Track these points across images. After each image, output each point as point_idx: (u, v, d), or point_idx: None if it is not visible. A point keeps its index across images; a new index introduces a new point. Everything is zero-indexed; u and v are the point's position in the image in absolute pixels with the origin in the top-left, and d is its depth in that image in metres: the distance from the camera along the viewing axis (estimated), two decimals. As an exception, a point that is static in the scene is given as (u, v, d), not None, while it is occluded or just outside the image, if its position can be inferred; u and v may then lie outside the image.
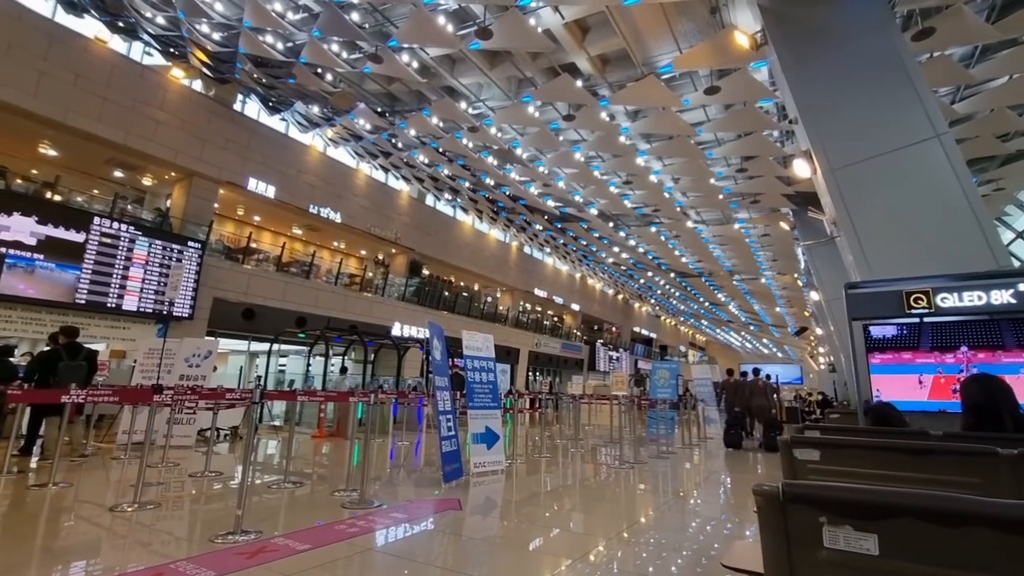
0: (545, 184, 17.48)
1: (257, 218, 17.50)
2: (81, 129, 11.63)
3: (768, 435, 10.71)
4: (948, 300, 4.47)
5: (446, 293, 22.52)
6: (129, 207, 13.69)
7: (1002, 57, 8.94)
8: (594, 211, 19.27)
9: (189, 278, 12.55)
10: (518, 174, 16.89)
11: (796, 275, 22.55)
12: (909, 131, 5.50)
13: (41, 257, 10.40)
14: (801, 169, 7.24)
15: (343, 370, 13.61)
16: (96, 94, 11.87)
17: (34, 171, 12.63)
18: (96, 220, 11.30)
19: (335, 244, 20.23)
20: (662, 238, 21.62)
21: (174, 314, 12.23)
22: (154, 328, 12.20)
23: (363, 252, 21.07)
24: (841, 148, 5.91)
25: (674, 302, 38.86)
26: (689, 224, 19.45)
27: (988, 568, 0.59)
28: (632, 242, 22.73)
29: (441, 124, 13.67)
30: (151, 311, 11.94)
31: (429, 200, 22.60)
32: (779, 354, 51.66)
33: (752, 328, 42.20)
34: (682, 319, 48.07)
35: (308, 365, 14.13)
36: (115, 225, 11.61)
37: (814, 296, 17.72)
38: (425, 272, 22.11)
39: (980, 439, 1.83)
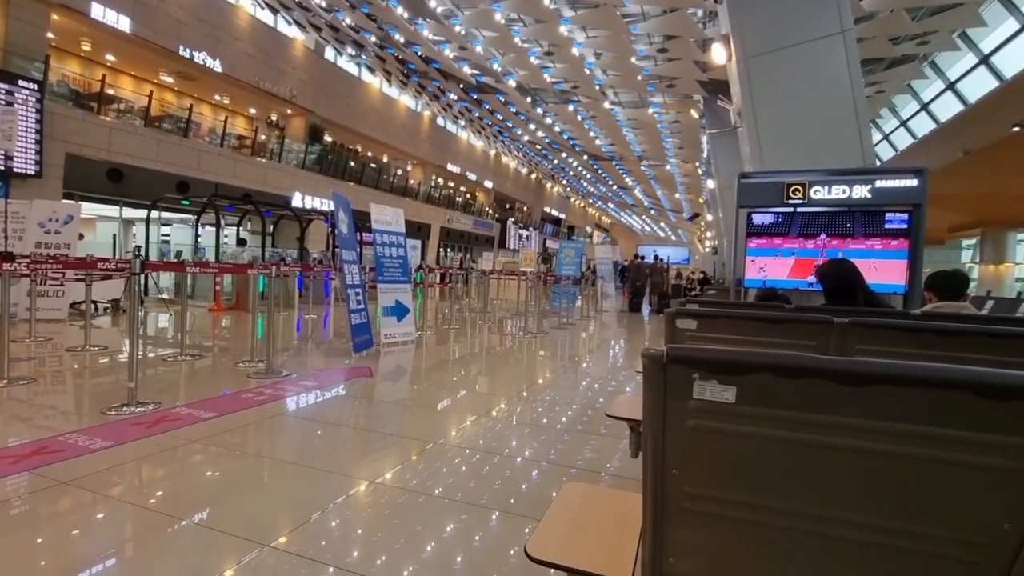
0: (461, 47, 16.01)
1: (111, 57, 14.43)
2: None
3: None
4: (819, 192, 5.00)
5: (352, 163, 20.93)
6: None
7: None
8: (512, 83, 18.24)
9: (28, 127, 10.41)
10: (431, 32, 15.21)
11: (697, 164, 23.74)
12: (820, 23, 5.63)
13: None
14: (718, 54, 7.24)
15: (241, 242, 12.64)
16: None
17: None
18: None
19: (217, 98, 17.52)
20: (579, 118, 21.30)
21: (15, 170, 10.29)
22: (-9, 187, 10.26)
23: (252, 110, 18.56)
24: (757, 35, 5.95)
25: (585, 184, 39.67)
26: (606, 105, 19.23)
27: (814, 408, 0.75)
28: (549, 120, 22.19)
29: (340, -43, 11.60)
30: (-17, 166, 9.94)
31: (329, 54, 19.89)
32: (673, 237, 56.02)
33: (652, 212, 44.82)
34: (591, 201, 49.61)
35: (197, 236, 12.93)
36: (-94, 50, 9.03)
37: (710, 184, 18.95)
38: (327, 139, 20.17)
39: (826, 310, 2.19)
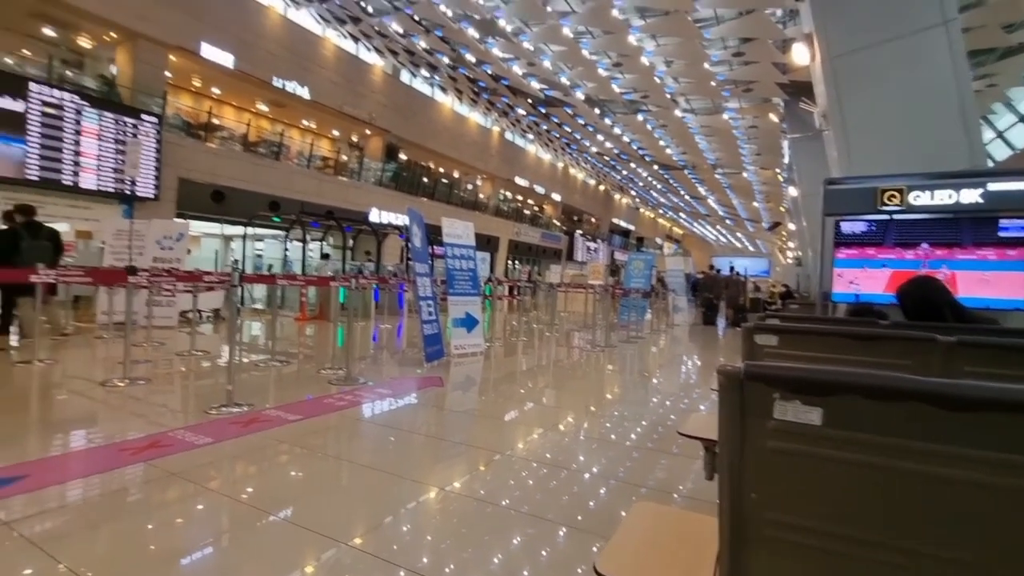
0: (530, 63, 16.29)
1: (216, 91, 16.09)
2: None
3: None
4: (920, 198, 4.57)
5: (425, 179, 21.82)
6: (69, 73, 12.35)
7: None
8: (580, 95, 18.26)
9: (149, 155, 11.80)
10: (501, 50, 15.61)
11: (778, 170, 22.43)
12: (917, 15, 5.18)
13: (-22, 127, 9.53)
14: (800, 55, 6.88)
15: (324, 256, 13.55)
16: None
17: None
18: (33, 86, 10.24)
19: (304, 123, 18.97)
20: (648, 127, 20.90)
21: (138, 194, 11.69)
22: (119, 208, 11.71)
23: (335, 133, 19.89)
24: (844, 33, 5.58)
25: (655, 194, 38.69)
26: (677, 113, 18.73)
27: (912, 434, 0.69)
28: (617, 130, 21.95)
29: (416, -14, 12.25)
30: (113, 190, 11.37)
31: (405, 77, 20.94)
32: (750, 248, 53.09)
33: (728, 222, 42.81)
34: (661, 212, 48.25)
35: (286, 250, 13.99)
36: (56, 93, 10.57)
37: (792, 191, 17.83)
38: (402, 157, 21.18)
39: (923, 327, 2.00)
